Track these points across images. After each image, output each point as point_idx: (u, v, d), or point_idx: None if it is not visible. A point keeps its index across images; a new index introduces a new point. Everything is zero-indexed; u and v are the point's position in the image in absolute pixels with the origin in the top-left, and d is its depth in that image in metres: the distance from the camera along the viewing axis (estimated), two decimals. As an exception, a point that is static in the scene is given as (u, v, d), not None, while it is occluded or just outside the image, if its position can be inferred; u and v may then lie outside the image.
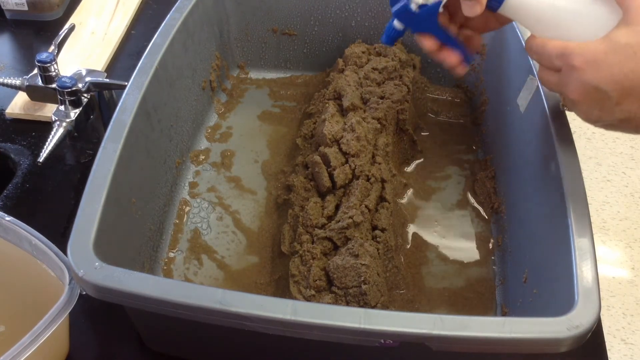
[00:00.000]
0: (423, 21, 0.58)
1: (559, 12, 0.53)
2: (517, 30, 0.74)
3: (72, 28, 0.83)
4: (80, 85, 0.76)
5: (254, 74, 0.93)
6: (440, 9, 0.57)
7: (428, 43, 0.60)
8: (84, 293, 0.50)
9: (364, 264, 0.60)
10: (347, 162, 0.70)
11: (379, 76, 0.81)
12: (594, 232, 0.52)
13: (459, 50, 0.60)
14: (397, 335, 0.45)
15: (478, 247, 0.71)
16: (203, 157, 0.80)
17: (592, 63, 0.49)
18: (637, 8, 0.48)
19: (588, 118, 0.52)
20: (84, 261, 0.49)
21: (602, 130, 2.02)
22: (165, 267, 0.68)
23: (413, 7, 0.57)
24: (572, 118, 0.58)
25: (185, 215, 0.73)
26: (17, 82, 0.80)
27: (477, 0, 0.53)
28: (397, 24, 0.59)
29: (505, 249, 0.69)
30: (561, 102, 0.60)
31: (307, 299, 0.61)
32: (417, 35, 0.60)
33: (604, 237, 1.71)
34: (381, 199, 0.69)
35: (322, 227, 0.66)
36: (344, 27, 0.88)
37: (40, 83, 0.78)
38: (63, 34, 0.81)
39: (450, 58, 0.61)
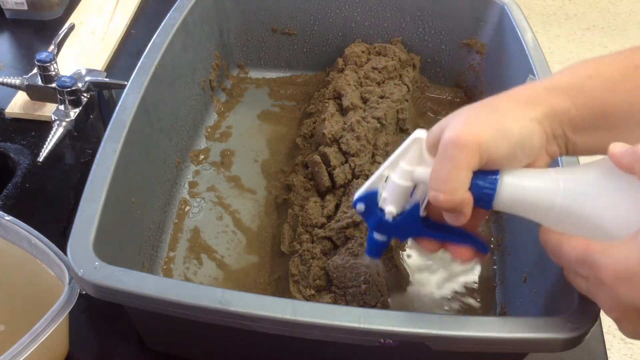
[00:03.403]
0: (407, 228, 0.48)
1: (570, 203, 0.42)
2: (517, 30, 0.74)
3: (71, 27, 0.83)
4: (80, 85, 0.76)
5: (253, 74, 0.93)
6: (422, 213, 0.47)
7: (427, 246, 0.49)
8: (84, 292, 0.50)
9: (363, 264, 0.60)
10: (346, 161, 0.70)
11: (378, 76, 0.81)
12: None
13: (467, 242, 0.48)
14: (397, 335, 0.45)
15: (478, 247, 0.71)
16: (203, 157, 0.80)
17: (625, 279, 0.38)
18: None
19: (635, 336, 0.42)
20: (84, 261, 0.49)
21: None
22: (165, 267, 0.68)
23: (388, 218, 0.47)
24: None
25: (185, 215, 0.73)
26: (16, 81, 0.80)
27: (460, 213, 0.43)
28: (378, 236, 0.49)
29: (505, 249, 0.69)
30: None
31: (307, 298, 0.61)
32: (411, 240, 0.51)
33: (603, 237, 1.71)
34: (381, 198, 0.69)
35: (322, 226, 0.66)
36: (344, 27, 0.88)
37: (39, 82, 0.78)
38: (63, 34, 0.81)
39: (460, 254, 0.48)
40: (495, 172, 0.43)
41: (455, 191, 0.42)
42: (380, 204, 0.48)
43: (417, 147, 0.45)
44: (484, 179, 0.43)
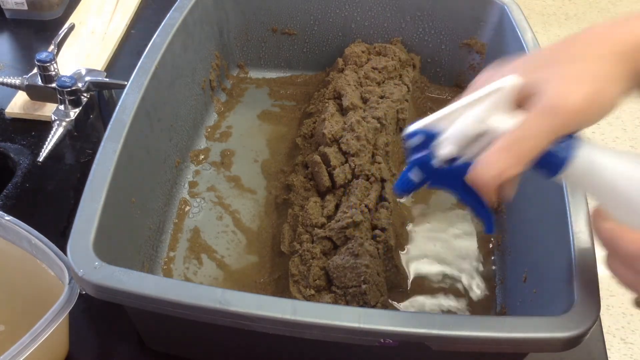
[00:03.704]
0: (446, 178, 0.46)
1: None
2: (517, 29, 0.74)
3: (71, 27, 0.83)
4: (79, 85, 0.76)
5: (253, 74, 0.93)
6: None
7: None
8: (84, 292, 0.50)
9: (363, 264, 0.60)
10: (346, 161, 0.70)
11: (378, 76, 0.81)
12: (593, 232, 0.51)
13: (483, 215, 0.47)
14: (397, 334, 0.45)
15: (478, 247, 0.71)
16: (203, 157, 0.80)
17: None
18: None
19: None
20: (84, 261, 0.49)
21: (602, 130, 2.02)
22: (165, 267, 0.68)
23: (439, 160, 0.44)
24: (572, 117, 0.57)
25: (185, 215, 0.73)
26: (16, 81, 0.80)
27: (509, 190, 0.43)
28: (414, 175, 0.47)
29: (505, 249, 0.69)
30: (636, 299, 0.44)
31: (307, 298, 0.61)
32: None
33: (603, 237, 1.71)
34: (381, 198, 0.69)
35: (322, 226, 0.66)
36: (344, 27, 0.88)
37: (39, 82, 0.78)
38: (63, 34, 0.81)
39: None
40: (570, 138, 0.41)
41: (524, 160, 0.40)
42: (437, 144, 0.44)
43: (502, 94, 0.41)
44: (559, 146, 0.40)
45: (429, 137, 0.44)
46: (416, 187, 0.48)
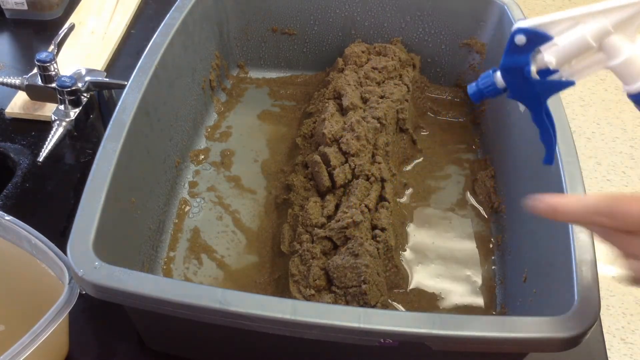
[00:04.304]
0: (529, 91, 0.42)
1: None
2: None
3: (71, 27, 0.83)
4: (79, 85, 0.76)
5: (253, 74, 0.93)
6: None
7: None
8: (84, 292, 0.50)
9: (363, 264, 0.60)
10: (346, 161, 0.70)
11: (378, 75, 0.81)
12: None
13: (546, 142, 0.45)
14: (397, 334, 0.45)
15: (478, 247, 0.71)
16: (203, 157, 0.80)
17: None
18: None
19: None
20: (84, 260, 0.49)
21: (602, 130, 2.02)
22: (164, 267, 0.68)
23: (534, 70, 0.41)
24: (572, 118, 0.57)
25: (185, 215, 0.73)
26: (16, 81, 0.80)
27: None
28: (499, 78, 0.43)
29: (505, 249, 0.69)
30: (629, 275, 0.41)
31: (307, 298, 0.61)
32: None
33: (603, 237, 1.71)
34: (381, 198, 0.69)
35: (322, 226, 0.66)
36: (344, 27, 0.88)
37: (39, 82, 0.78)
38: (63, 34, 0.81)
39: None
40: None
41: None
42: (544, 48, 0.40)
43: (635, 12, 0.37)
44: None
45: (537, 40, 0.40)
46: (493, 94, 0.44)
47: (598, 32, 0.38)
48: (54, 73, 0.77)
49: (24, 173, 0.76)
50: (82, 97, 0.77)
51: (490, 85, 0.44)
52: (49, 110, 0.83)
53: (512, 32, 0.41)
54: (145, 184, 0.66)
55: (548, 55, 0.40)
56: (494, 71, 0.44)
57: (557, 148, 0.49)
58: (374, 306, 0.61)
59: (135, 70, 0.66)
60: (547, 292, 0.54)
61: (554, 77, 0.41)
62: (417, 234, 0.72)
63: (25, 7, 1.00)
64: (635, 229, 0.38)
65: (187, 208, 0.74)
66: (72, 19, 1.00)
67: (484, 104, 0.83)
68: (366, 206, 0.66)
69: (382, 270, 0.64)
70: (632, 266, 0.39)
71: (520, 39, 0.41)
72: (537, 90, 0.41)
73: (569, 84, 0.41)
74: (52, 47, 0.79)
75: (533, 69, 0.41)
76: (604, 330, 0.62)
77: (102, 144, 0.58)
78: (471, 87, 0.46)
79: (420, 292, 0.67)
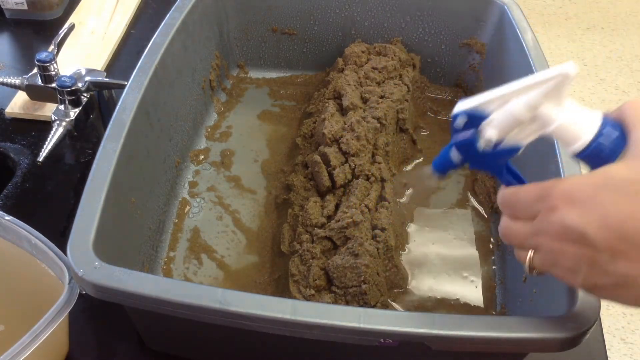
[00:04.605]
0: (487, 160, 0.45)
1: None
2: (517, 30, 0.74)
3: (71, 27, 0.83)
4: (79, 85, 0.76)
5: (253, 74, 0.93)
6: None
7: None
8: (84, 292, 0.50)
9: (363, 264, 0.60)
10: (346, 161, 0.70)
11: (378, 75, 0.81)
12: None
13: None
14: (397, 335, 0.45)
15: (478, 247, 0.71)
16: (203, 157, 0.80)
17: (576, 201, 0.37)
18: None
19: (571, 280, 0.39)
20: (84, 260, 0.49)
21: (601, 130, 2.02)
22: (164, 267, 0.68)
23: (483, 144, 0.43)
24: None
25: (185, 215, 0.73)
26: (16, 81, 0.80)
27: None
28: (455, 155, 0.46)
29: (505, 249, 0.69)
30: (526, 270, 0.42)
31: (307, 298, 0.61)
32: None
33: (603, 237, 1.71)
34: (381, 198, 0.69)
35: (322, 226, 0.66)
36: (344, 27, 0.88)
37: (39, 82, 0.78)
38: (63, 34, 0.81)
39: None
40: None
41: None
42: (483, 126, 0.43)
43: (560, 81, 0.40)
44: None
45: (475, 119, 0.43)
46: (455, 167, 0.47)
47: (528, 106, 0.41)
48: (54, 73, 0.77)
49: (24, 173, 0.76)
50: (82, 97, 0.77)
51: (448, 162, 0.47)
52: (49, 110, 0.83)
53: (452, 116, 0.44)
54: (145, 184, 0.66)
55: (489, 131, 0.43)
56: (450, 149, 0.46)
57: (557, 148, 0.50)
58: (374, 306, 0.61)
59: (135, 70, 0.66)
60: (547, 292, 0.54)
61: (502, 145, 0.44)
62: (417, 234, 0.72)
63: (25, 7, 1.00)
64: (522, 215, 0.41)
65: (187, 208, 0.74)
66: (72, 19, 1.00)
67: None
68: (366, 206, 0.66)
69: (382, 270, 0.64)
70: (518, 255, 0.42)
71: (461, 121, 0.44)
72: (492, 159, 0.44)
73: (516, 150, 0.44)
74: (52, 47, 0.79)
75: (481, 143, 0.44)
76: (604, 330, 0.62)
77: (102, 144, 0.58)
78: (434, 164, 0.49)
79: (420, 292, 0.67)
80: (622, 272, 0.36)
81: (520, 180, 0.46)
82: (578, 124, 0.41)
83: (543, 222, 0.39)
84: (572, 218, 0.37)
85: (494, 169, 0.45)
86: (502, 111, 0.42)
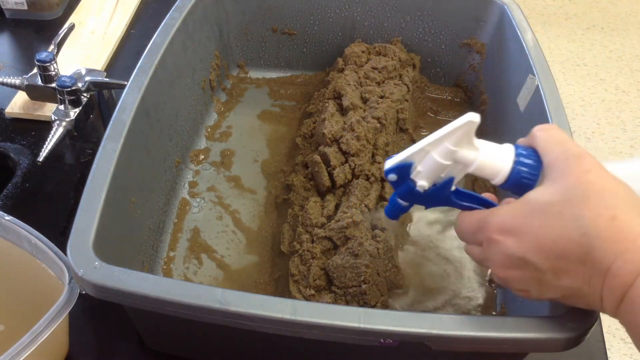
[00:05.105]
0: (435, 198, 0.49)
1: None
2: (517, 30, 0.75)
3: (71, 27, 0.83)
4: (79, 85, 0.76)
5: (253, 73, 0.93)
6: (453, 187, 0.48)
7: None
8: (84, 292, 0.50)
9: (363, 264, 0.60)
10: (346, 161, 0.70)
11: (378, 75, 0.81)
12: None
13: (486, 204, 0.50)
14: (397, 335, 0.45)
15: (478, 247, 0.71)
16: (203, 157, 0.80)
17: (511, 230, 0.41)
18: (556, 164, 0.42)
19: (525, 296, 0.44)
20: (84, 260, 0.49)
21: (601, 130, 2.02)
22: (164, 267, 0.68)
23: (419, 190, 0.48)
24: (572, 117, 0.58)
25: (185, 215, 0.73)
26: (16, 81, 0.80)
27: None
28: (402, 202, 0.51)
29: (504, 249, 0.69)
30: (488, 277, 0.54)
31: (307, 298, 0.61)
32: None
33: (603, 237, 1.70)
34: (381, 198, 0.69)
35: (322, 226, 0.66)
36: (344, 27, 0.88)
37: (39, 82, 0.78)
38: (63, 33, 0.81)
39: None
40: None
41: None
42: (414, 176, 0.48)
43: (466, 129, 0.44)
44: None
45: (404, 170, 0.48)
46: (405, 210, 0.52)
47: (445, 154, 0.45)
48: (54, 73, 0.77)
49: (24, 173, 0.76)
50: (82, 97, 0.77)
51: (398, 208, 0.52)
52: (49, 110, 0.83)
53: (385, 172, 0.49)
54: (145, 184, 0.66)
55: (419, 182, 0.48)
56: (396, 197, 0.51)
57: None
58: (374, 306, 0.61)
59: (135, 70, 0.66)
60: (547, 292, 0.54)
61: (439, 182, 0.48)
62: (417, 234, 0.72)
63: (25, 7, 1.00)
64: (469, 242, 0.47)
65: (187, 208, 0.74)
66: (72, 19, 1.00)
67: (483, 104, 0.83)
68: (366, 206, 0.66)
69: (382, 270, 0.64)
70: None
71: (393, 177, 0.49)
72: (435, 195, 0.49)
73: (451, 180, 0.48)
74: (52, 47, 0.79)
75: (419, 189, 0.48)
76: (604, 330, 0.62)
77: (102, 144, 0.58)
78: (386, 211, 0.53)
79: (420, 292, 0.66)
80: (567, 286, 0.41)
81: (474, 199, 0.49)
82: (495, 160, 0.46)
83: (487, 253, 0.44)
84: (509, 246, 0.41)
85: (442, 202, 0.49)
86: (425, 162, 0.47)
